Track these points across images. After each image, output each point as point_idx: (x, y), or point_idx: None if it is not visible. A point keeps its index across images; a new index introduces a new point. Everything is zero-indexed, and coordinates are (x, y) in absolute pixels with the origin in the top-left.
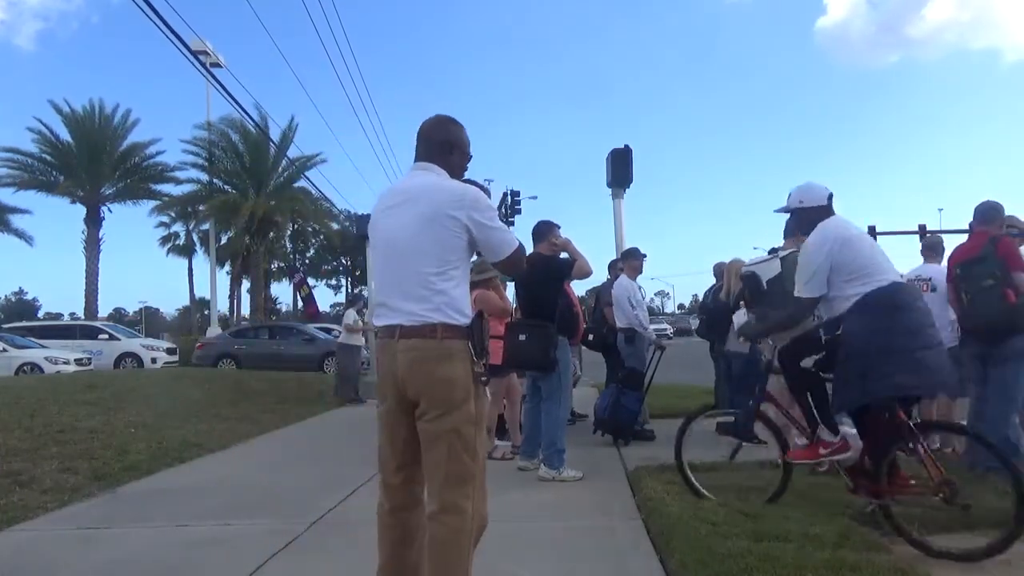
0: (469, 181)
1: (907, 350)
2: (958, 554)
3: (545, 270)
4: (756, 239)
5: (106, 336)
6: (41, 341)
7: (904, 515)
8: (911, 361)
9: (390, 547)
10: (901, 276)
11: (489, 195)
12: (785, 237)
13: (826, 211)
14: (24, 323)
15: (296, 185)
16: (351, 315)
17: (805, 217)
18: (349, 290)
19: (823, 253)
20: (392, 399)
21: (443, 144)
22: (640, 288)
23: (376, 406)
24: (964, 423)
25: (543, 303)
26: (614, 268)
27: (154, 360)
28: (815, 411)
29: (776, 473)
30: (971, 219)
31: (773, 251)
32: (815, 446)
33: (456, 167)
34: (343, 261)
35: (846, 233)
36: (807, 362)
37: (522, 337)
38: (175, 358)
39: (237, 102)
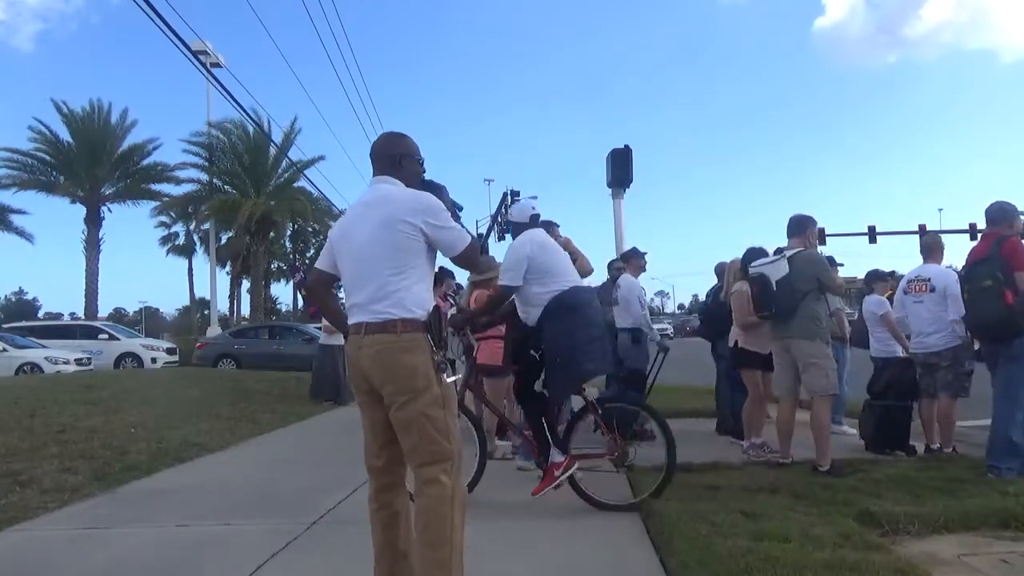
0: (428, 182)
1: (590, 340)
2: (623, 505)
3: None
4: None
5: (106, 336)
6: (41, 341)
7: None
8: (594, 350)
9: (381, 531)
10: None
11: (446, 193)
12: (789, 237)
13: (528, 226)
14: (24, 323)
15: (296, 185)
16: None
17: (515, 229)
18: None
19: (523, 252)
20: (363, 389)
21: (392, 157)
22: (642, 289)
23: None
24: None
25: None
26: (614, 268)
27: (154, 360)
28: (548, 433)
29: (778, 473)
30: (973, 220)
31: (779, 251)
32: (551, 470)
33: (410, 174)
34: None
35: (542, 239)
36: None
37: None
38: (175, 358)
39: (237, 102)
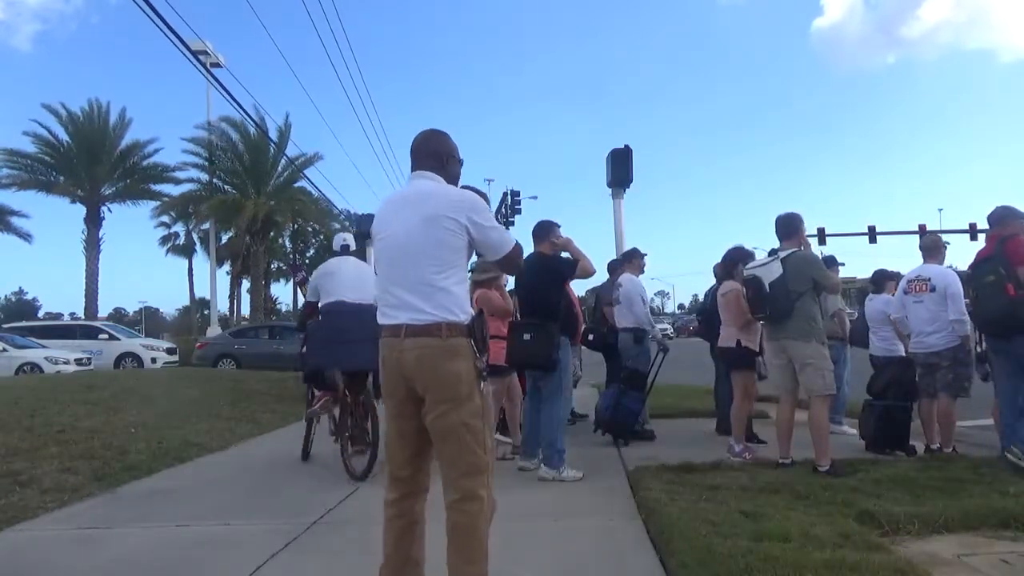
0: (467, 187)
1: (327, 342)
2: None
3: (548, 270)
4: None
5: (106, 336)
6: (41, 341)
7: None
8: (327, 351)
9: (394, 539)
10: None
11: (487, 199)
12: (781, 239)
13: (337, 253)
14: (24, 323)
15: (296, 185)
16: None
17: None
18: None
19: (315, 275)
20: (399, 395)
21: (438, 155)
22: (644, 288)
23: (382, 402)
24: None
25: (545, 303)
26: (615, 269)
27: (154, 360)
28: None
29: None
30: (973, 220)
31: (773, 252)
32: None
33: (452, 175)
34: None
35: (330, 268)
36: None
37: (526, 337)
38: (175, 358)
39: (237, 102)
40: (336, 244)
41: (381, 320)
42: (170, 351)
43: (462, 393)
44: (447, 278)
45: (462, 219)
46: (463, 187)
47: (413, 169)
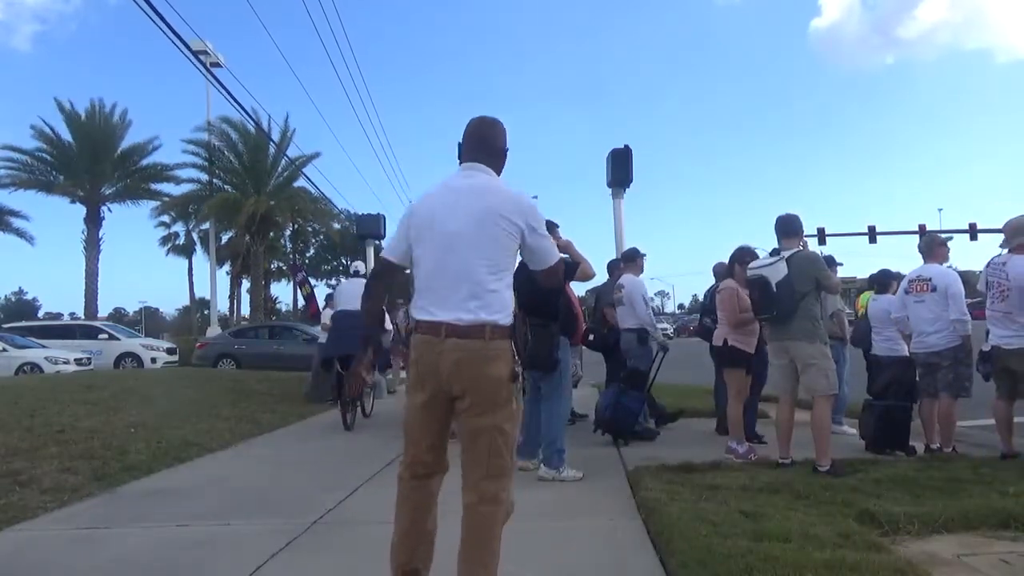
0: None
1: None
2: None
3: None
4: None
5: (106, 336)
6: (41, 341)
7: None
8: (336, 342)
9: (410, 513)
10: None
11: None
12: (782, 238)
13: (352, 276)
14: (24, 323)
15: (296, 184)
16: (329, 314)
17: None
18: None
19: (335, 292)
20: (431, 392)
21: (496, 148)
22: (646, 288)
23: (406, 393)
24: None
25: (546, 303)
26: (615, 269)
27: (154, 360)
28: None
29: (778, 473)
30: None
31: (775, 252)
32: None
33: (500, 169)
34: (343, 261)
35: (342, 288)
36: None
37: (528, 337)
38: (175, 358)
39: (237, 102)
40: (351, 268)
41: (418, 315)
42: (170, 351)
43: (501, 397)
44: (498, 279)
45: (520, 222)
46: None
47: (465, 158)
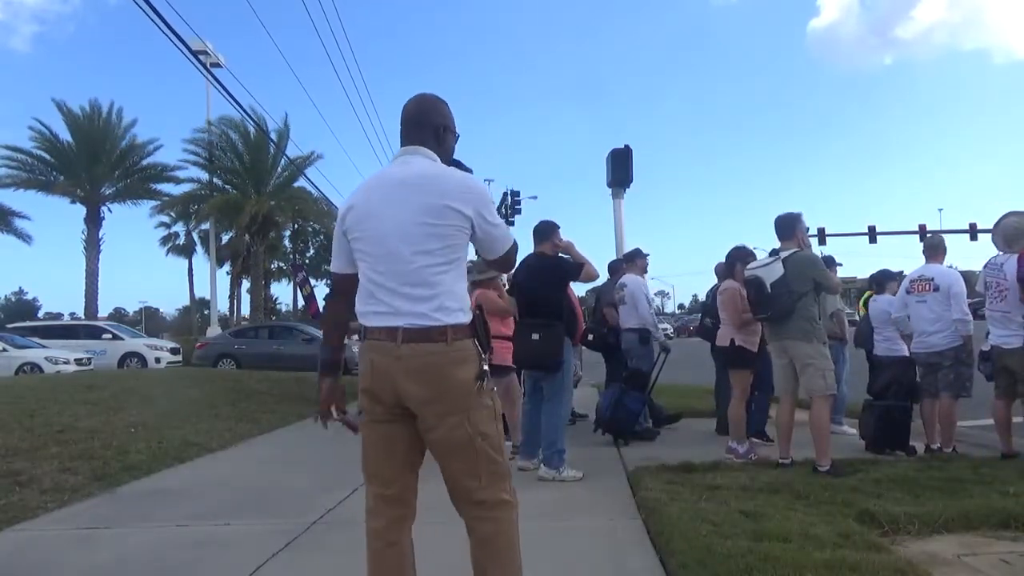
0: (457, 162)
1: None
2: None
3: (551, 270)
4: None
5: (110, 336)
6: (46, 341)
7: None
8: None
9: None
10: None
11: (471, 173)
12: (780, 239)
13: None
14: (29, 323)
15: (296, 184)
16: None
17: None
18: None
19: None
20: (388, 402)
21: (435, 127)
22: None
23: (357, 414)
24: None
25: (550, 303)
26: (616, 269)
27: (158, 360)
28: None
29: (778, 473)
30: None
31: (774, 252)
32: None
33: (447, 150)
34: None
35: None
36: None
37: (535, 337)
38: (179, 358)
39: (237, 102)
40: None
41: (367, 321)
42: (174, 351)
43: (472, 401)
44: (449, 274)
45: (468, 211)
46: (454, 162)
47: (404, 142)
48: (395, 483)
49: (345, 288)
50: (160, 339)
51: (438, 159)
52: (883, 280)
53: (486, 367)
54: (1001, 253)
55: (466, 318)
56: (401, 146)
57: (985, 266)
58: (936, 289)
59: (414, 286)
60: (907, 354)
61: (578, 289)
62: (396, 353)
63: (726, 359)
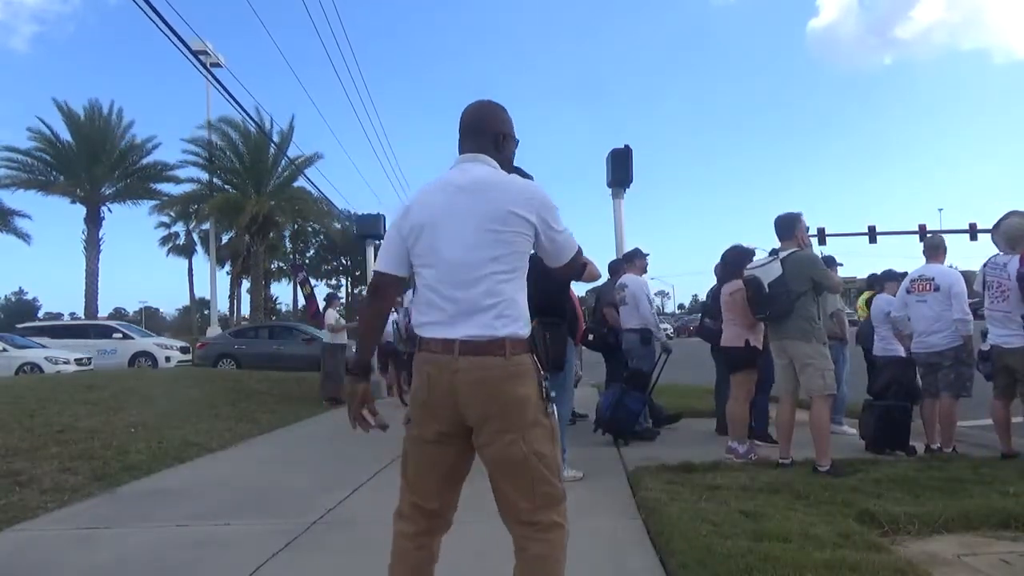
0: (518, 170)
1: None
2: None
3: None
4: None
5: (120, 335)
6: (57, 341)
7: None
8: None
9: (409, 574)
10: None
11: (532, 180)
12: (780, 239)
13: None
14: (36, 323)
15: (296, 184)
16: (332, 315)
17: None
18: (349, 290)
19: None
20: (443, 418)
21: (495, 135)
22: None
23: (405, 421)
24: None
25: (551, 302)
26: (616, 269)
27: (168, 359)
28: None
29: (778, 473)
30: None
31: (774, 252)
32: None
33: (507, 158)
34: (343, 261)
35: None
36: None
37: (546, 337)
38: (188, 357)
39: (237, 102)
40: None
41: (424, 332)
42: (183, 350)
43: (529, 418)
44: (511, 283)
45: (532, 218)
46: (515, 170)
47: (463, 149)
48: (435, 499)
49: (386, 288)
50: (168, 338)
51: (498, 166)
52: (883, 280)
53: (546, 383)
54: (1002, 253)
55: (524, 331)
56: (459, 153)
57: (985, 265)
58: (936, 289)
59: (476, 293)
60: (902, 354)
61: (578, 289)
62: (454, 367)
63: (736, 360)
